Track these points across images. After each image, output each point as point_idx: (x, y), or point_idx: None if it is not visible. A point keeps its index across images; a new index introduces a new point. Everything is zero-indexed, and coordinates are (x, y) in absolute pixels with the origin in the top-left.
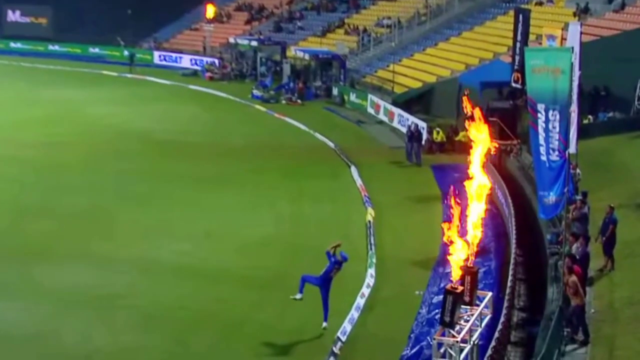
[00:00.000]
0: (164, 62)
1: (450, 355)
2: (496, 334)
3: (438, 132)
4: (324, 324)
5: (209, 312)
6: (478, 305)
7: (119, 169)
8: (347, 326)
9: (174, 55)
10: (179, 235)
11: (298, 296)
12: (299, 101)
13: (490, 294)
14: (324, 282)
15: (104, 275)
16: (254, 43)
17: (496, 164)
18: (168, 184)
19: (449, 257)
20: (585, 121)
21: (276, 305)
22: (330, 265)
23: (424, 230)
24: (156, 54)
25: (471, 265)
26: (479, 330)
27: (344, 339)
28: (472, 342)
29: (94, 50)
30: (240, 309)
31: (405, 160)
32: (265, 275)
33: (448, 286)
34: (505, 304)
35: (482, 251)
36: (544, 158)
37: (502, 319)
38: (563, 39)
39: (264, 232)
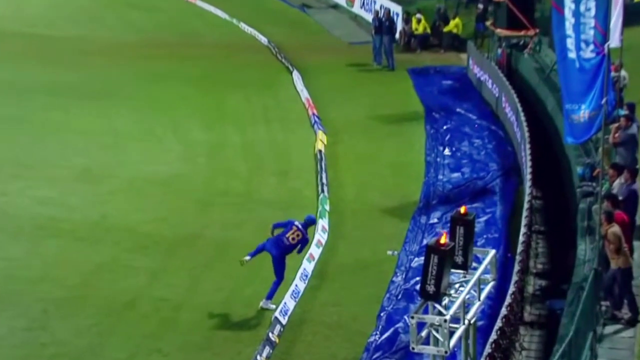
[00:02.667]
0: None
1: (437, 340)
2: (503, 310)
3: (419, 21)
4: (264, 303)
5: (85, 286)
6: (476, 270)
7: None
8: (289, 302)
9: None
10: (40, 177)
11: (247, 258)
12: None
13: (493, 252)
14: (274, 248)
15: None
16: None
17: (504, 64)
18: (21, 100)
19: None
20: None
21: (184, 276)
22: (287, 228)
23: (399, 164)
24: None
25: (465, 210)
26: (478, 304)
27: (284, 320)
28: (467, 322)
29: None
30: (131, 281)
31: (372, 62)
32: (169, 235)
33: (432, 242)
34: (516, 267)
35: (482, 191)
36: (572, 55)
37: (511, 289)
38: None
39: (167, 172)
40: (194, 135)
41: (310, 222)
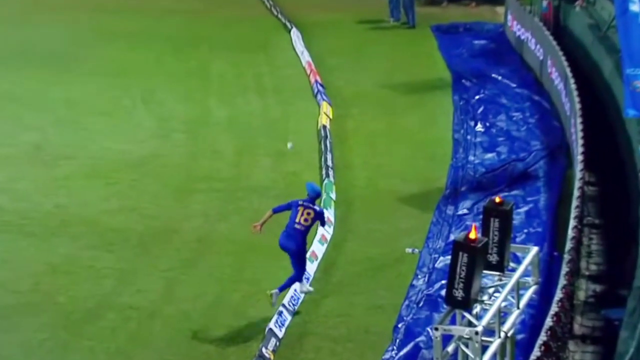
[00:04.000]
0: None
1: (466, 356)
2: (548, 321)
3: None
4: (275, 295)
5: (37, 292)
6: (514, 271)
7: None
8: (286, 312)
9: None
10: None
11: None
12: None
13: (535, 249)
14: (291, 242)
15: None
16: None
17: (550, 20)
18: None
19: None
20: None
21: (159, 280)
22: (293, 212)
23: (421, 142)
24: None
25: (500, 199)
26: (517, 314)
27: (280, 333)
28: (503, 335)
29: None
30: (94, 285)
31: (388, 18)
32: (139, 229)
33: (460, 237)
34: (565, 269)
35: (522, 176)
36: (635, 8)
37: (558, 295)
38: None
39: (137, 152)
40: (170, 107)
41: (315, 194)
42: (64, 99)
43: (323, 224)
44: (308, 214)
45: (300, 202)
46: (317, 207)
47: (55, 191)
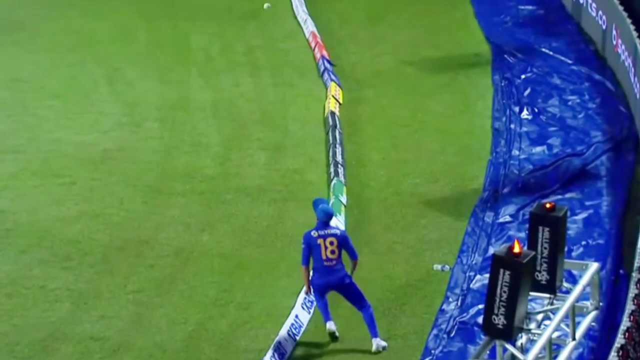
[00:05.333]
0: None
1: None
2: (612, 356)
3: None
4: (376, 344)
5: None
6: (569, 293)
7: None
8: (285, 343)
9: None
10: None
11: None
12: None
13: (596, 266)
14: (332, 278)
15: None
16: None
17: None
18: None
19: None
20: None
21: (127, 303)
22: (315, 250)
23: (453, 133)
24: None
25: (552, 204)
26: (572, 345)
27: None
28: None
29: None
30: (46, 310)
31: None
32: (103, 240)
33: (501, 250)
34: (633, 291)
35: (580, 175)
36: None
37: (624, 324)
38: None
39: (100, 144)
40: (141, 89)
41: (326, 215)
42: (7, 78)
43: (354, 254)
44: (331, 243)
45: (314, 234)
46: (336, 230)
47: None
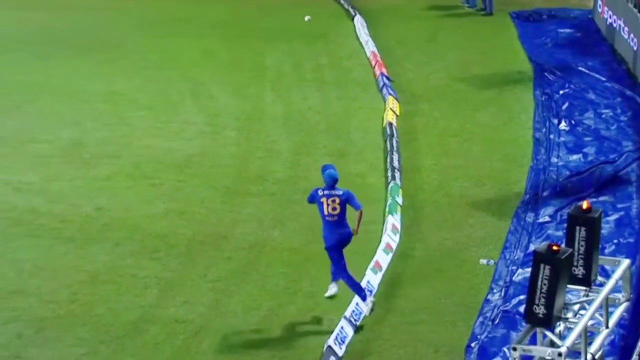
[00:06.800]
0: None
1: None
2: None
3: None
4: (330, 290)
5: (74, 303)
6: (602, 286)
7: None
8: (347, 327)
9: None
10: (14, 155)
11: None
12: None
13: (627, 262)
14: (329, 238)
15: None
16: None
17: None
18: None
19: None
20: None
21: (207, 290)
22: (319, 206)
23: (498, 142)
24: None
25: (588, 206)
26: (606, 333)
27: (341, 351)
28: (590, 357)
29: None
30: (136, 296)
31: (462, 4)
32: (187, 235)
33: (541, 247)
34: None
35: (612, 180)
36: None
37: None
38: None
39: (184, 150)
40: (221, 102)
41: (332, 179)
42: (105, 92)
43: (357, 206)
44: (334, 201)
45: (320, 193)
46: (339, 192)
47: (96, 193)
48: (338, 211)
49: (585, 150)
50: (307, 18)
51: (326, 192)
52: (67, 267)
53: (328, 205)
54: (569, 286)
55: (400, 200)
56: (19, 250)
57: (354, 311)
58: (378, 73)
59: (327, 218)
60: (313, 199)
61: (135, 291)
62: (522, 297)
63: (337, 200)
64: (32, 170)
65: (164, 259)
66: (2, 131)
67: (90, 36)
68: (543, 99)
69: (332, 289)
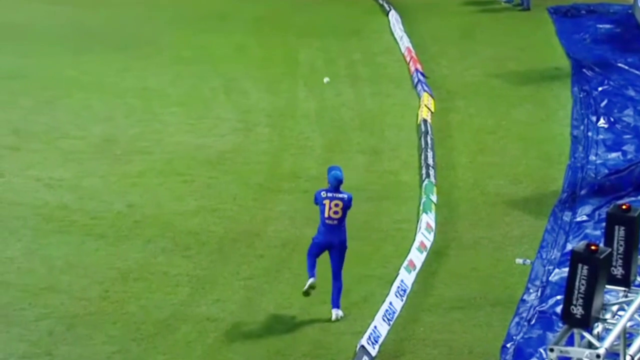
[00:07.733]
0: None
1: None
2: None
3: None
4: (335, 313)
5: (105, 300)
6: None
7: None
8: (380, 326)
9: None
10: (46, 151)
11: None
12: None
13: None
14: (329, 234)
15: None
16: None
17: None
18: (20, 50)
19: None
20: None
21: (239, 288)
22: (320, 208)
23: (535, 139)
24: None
25: (627, 205)
26: None
27: (374, 351)
28: (629, 358)
29: None
30: (168, 294)
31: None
32: (219, 232)
33: (579, 247)
34: None
35: None
36: None
37: None
38: None
39: (217, 147)
40: (253, 98)
41: (336, 181)
42: (137, 87)
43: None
44: (336, 205)
45: (323, 194)
46: (344, 194)
47: (127, 189)
48: (339, 215)
49: (624, 148)
50: (325, 80)
51: (329, 194)
52: (98, 263)
53: (330, 208)
54: (607, 286)
55: (434, 198)
56: (50, 247)
57: (387, 310)
58: (412, 69)
59: (327, 221)
60: (316, 200)
61: (167, 289)
62: (559, 297)
63: (340, 205)
64: (64, 166)
65: (195, 256)
66: (34, 127)
67: (123, 32)
68: (581, 95)
69: (336, 313)
